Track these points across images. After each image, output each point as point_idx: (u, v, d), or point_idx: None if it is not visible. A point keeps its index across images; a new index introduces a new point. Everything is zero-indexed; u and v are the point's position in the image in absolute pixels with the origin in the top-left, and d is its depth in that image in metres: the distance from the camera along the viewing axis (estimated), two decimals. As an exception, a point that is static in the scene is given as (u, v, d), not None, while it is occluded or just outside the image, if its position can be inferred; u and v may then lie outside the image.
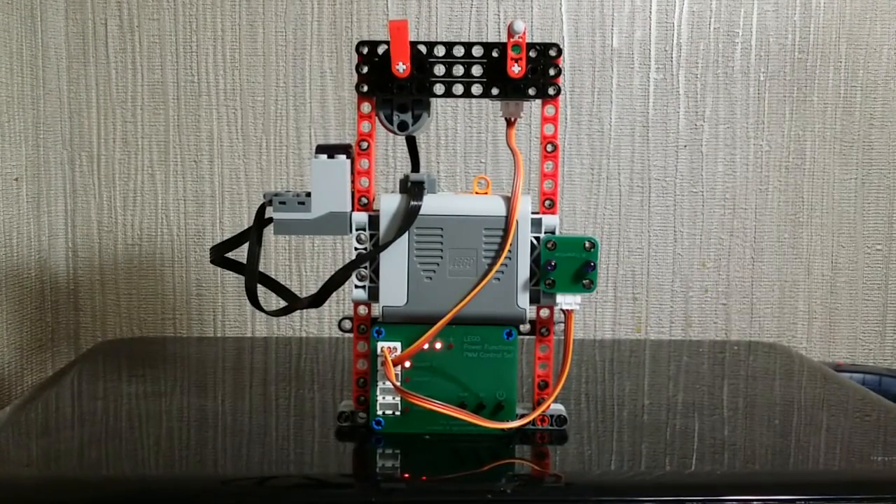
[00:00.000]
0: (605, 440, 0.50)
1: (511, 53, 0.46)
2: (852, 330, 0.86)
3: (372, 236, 0.48)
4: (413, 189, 0.47)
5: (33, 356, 0.80)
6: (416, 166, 0.54)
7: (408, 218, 0.46)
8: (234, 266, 0.51)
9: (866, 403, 0.57)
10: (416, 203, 0.46)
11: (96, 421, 0.54)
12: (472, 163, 0.83)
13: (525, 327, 0.49)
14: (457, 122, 0.82)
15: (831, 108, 0.83)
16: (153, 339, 0.81)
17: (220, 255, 0.50)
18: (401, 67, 0.46)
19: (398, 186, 0.49)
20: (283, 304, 0.50)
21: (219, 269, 0.52)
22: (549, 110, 0.47)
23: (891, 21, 0.82)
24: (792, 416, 0.55)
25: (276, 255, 0.83)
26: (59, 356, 0.84)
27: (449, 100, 0.81)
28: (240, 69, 0.81)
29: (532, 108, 0.78)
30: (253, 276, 0.49)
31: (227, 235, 0.82)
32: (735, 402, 0.59)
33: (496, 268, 0.46)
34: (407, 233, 0.47)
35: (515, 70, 0.46)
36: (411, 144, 0.53)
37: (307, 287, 0.83)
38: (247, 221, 0.82)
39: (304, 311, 0.83)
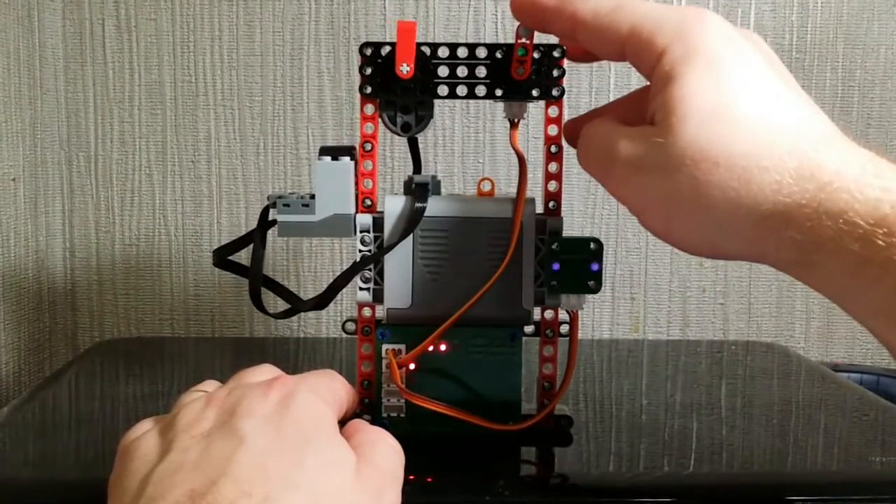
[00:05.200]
0: (604, 440, 0.50)
1: (516, 55, 0.45)
2: (850, 330, 0.86)
3: (376, 238, 0.48)
4: (417, 191, 0.47)
5: (31, 356, 0.79)
6: (418, 168, 0.54)
7: (412, 220, 0.46)
8: (237, 269, 0.51)
9: (864, 403, 0.58)
10: (420, 205, 0.46)
11: (94, 421, 0.54)
12: (470, 163, 0.83)
13: (530, 329, 0.49)
14: (454, 122, 0.82)
15: (828, 107, 0.83)
16: (151, 340, 0.81)
17: (223, 257, 0.50)
18: (405, 69, 0.46)
19: (401, 187, 0.49)
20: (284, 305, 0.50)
21: (217, 269, 0.51)
22: (553, 111, 0.47)
23: (888, 21, 0.83)
24: (790, 415, 0.55)
25: (274, 255, 0.83)
26: (56, 356, 0.83)
27: (447, 100, 0.80)
28: (237, 69, 0.81)
29: (530, 108, 0.78)
30: (257, 280, 0.48)
31: (225, 236, 0.82)
32: (733, 402, 0.59)
33: (501, 270, 0.46)
34: (411, 234, 0.47)
35: (519, 71, 0.46)
36: (413, 146, 0.53)
37: (305, 287, 0.83)
38: (244, 221, 0.82)
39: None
